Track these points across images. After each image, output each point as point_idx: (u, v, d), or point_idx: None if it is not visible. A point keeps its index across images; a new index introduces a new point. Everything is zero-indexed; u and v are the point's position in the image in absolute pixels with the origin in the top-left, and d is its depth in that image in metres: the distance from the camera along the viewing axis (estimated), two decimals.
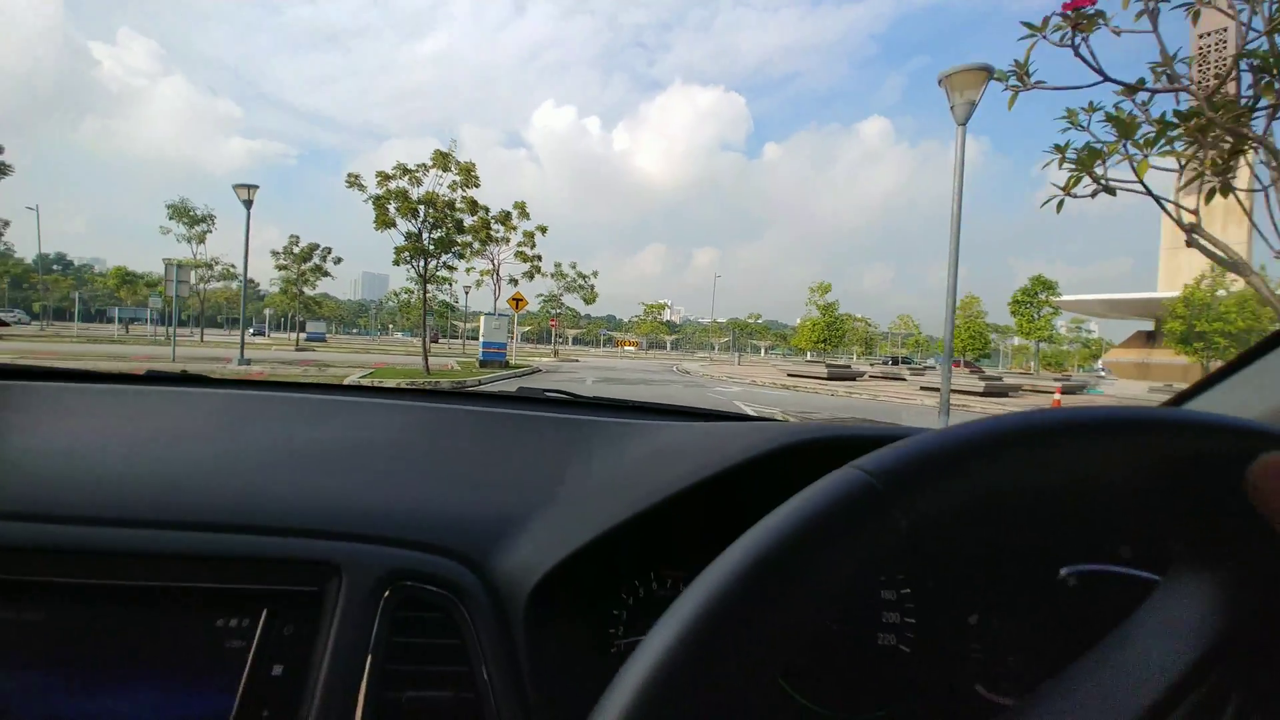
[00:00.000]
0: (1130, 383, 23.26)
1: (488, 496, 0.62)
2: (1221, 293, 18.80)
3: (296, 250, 29.85)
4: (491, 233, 15.50)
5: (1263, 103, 1.88)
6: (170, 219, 30.72)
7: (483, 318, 19.63)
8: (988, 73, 6.51)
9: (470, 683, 0.48)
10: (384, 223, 13.53)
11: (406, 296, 38.86)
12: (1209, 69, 2.55)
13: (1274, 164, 1.92)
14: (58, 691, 0.47)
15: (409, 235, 13.97)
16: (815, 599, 0.22)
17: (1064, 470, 0.26)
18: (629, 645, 0.59)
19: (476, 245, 16.07)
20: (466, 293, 35.11)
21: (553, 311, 39.69)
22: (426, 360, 14.67)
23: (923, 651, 0.56)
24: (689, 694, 0.20)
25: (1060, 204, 2.12)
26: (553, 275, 37.75)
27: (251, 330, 56.26)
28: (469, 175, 14.13)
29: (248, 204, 14.71)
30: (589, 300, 37.77)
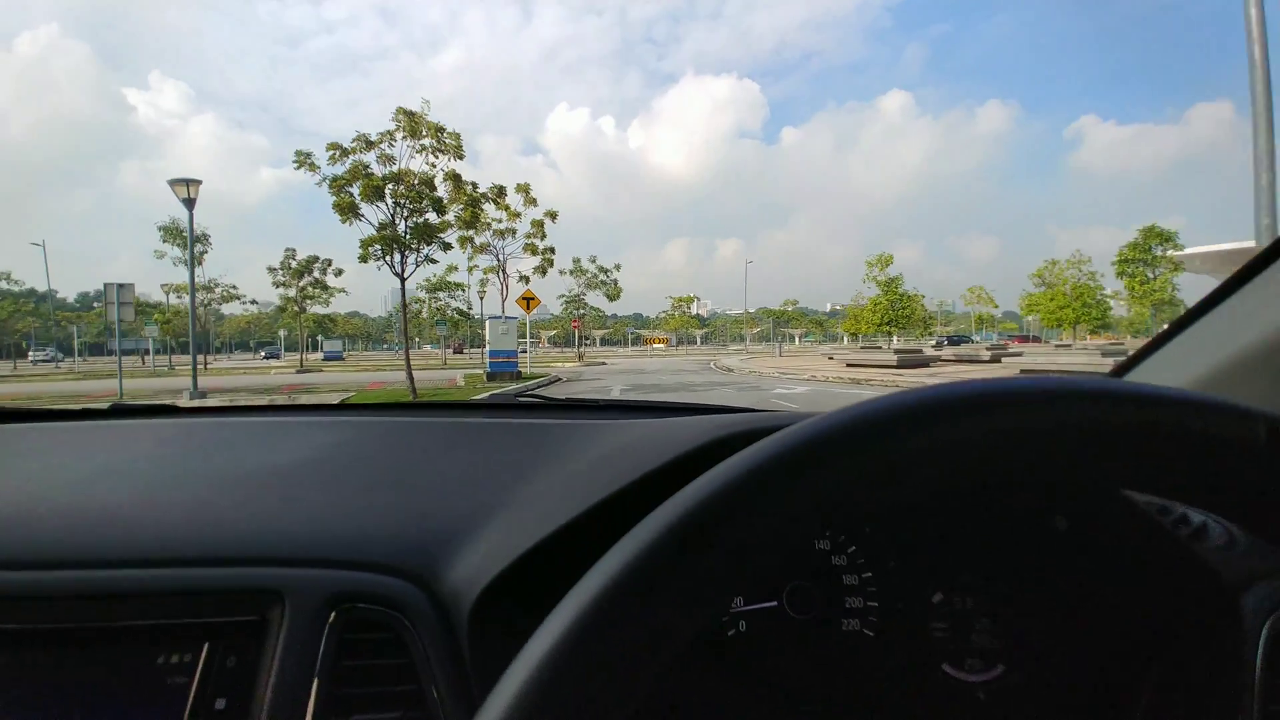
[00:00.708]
0: None
1: (434, 509, 0.60)
2: None
3: (294, 264, 27.60)
4: (479, 211, 12.40)
5: None
6: (164, 241, 28.77)
7: (488, 323, 16.72)
8: None
9: (420, 701, 0.47)
10: (345, 210, 10.67)
11: (418, 306, 36.61)
12: None
13: None
14: None
15: (382, 226, 11.17)
16: (649, 631, 0.23)
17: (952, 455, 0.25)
18: None
19: (463, 231, 13.09)
20: (482, 298, 32.37)
21: (575, 312, 36.71)
22: (411, 378, 11.74)
23: (887, 635, 0.56)
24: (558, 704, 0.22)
25: None
26: (571, 272, 34.80)
27: (264, 353, 54.56)
28: (439, 137, 11.08)
29: (189, 203, 12.04)
30: (613, 296, 34.67)
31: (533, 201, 19.00)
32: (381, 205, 10.89)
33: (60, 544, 0.54)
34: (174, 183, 11.96)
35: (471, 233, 13.07)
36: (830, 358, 25.16)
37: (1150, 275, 28.20)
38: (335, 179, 10.74)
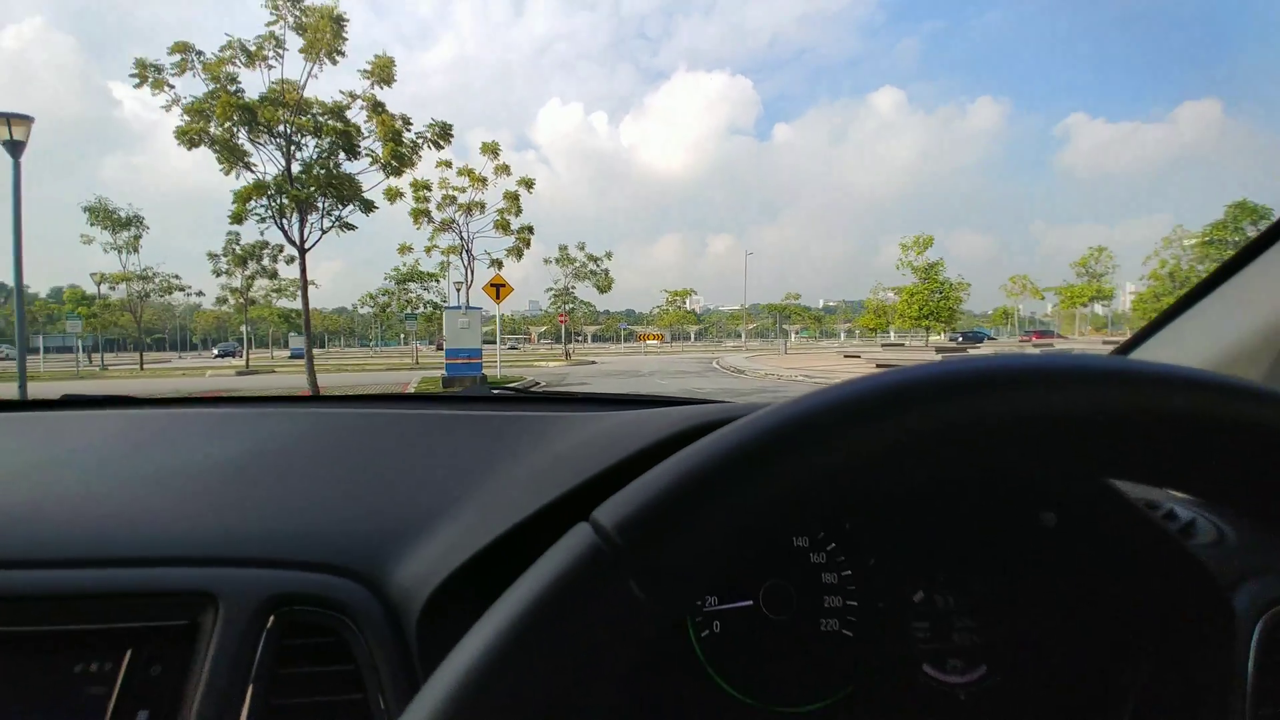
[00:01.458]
0: None
1: (387, 505, 0.57)
2: None
3: (238, 250, 24.10)
4: (403, 150, 8.86)
5: None
6: (91, 224, 25.13)
7: (444, 314, 13.38)
8: None
9: (366, 712, 0.44)
10: (188, 139, 7.21)
11: (386, 299, 33.04)
12: None
13: None
14: None
15: (278, 180, 7.85)
16: (567, 661, 0.22)
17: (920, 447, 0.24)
18: None
19: (390, 180, 9.59)
20: (459, 290, 29.26)
21: (563, 306, 33.31)
22: (313, 380, 8.35)
23: (867, 635, 0.55)
24: None
25: None
26: (558, 261, 31.41)
27: (217, 351, 49.89)
28: (336, 28, 7.43)
29: (11, 146, 8.63)
30: (604, 288, 31.32)
31: (505, 169, 15.63)
32: (256, 136, 7.46)
33: None
34: None
35: (395, 182, 9.41)
36: (854, 356, 22.01)
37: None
38: (192, 105, 7.33)
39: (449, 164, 14.92)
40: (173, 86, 7.37)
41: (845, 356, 22.94)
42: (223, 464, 0.64)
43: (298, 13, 7.20)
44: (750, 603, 0.54)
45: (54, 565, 0.48)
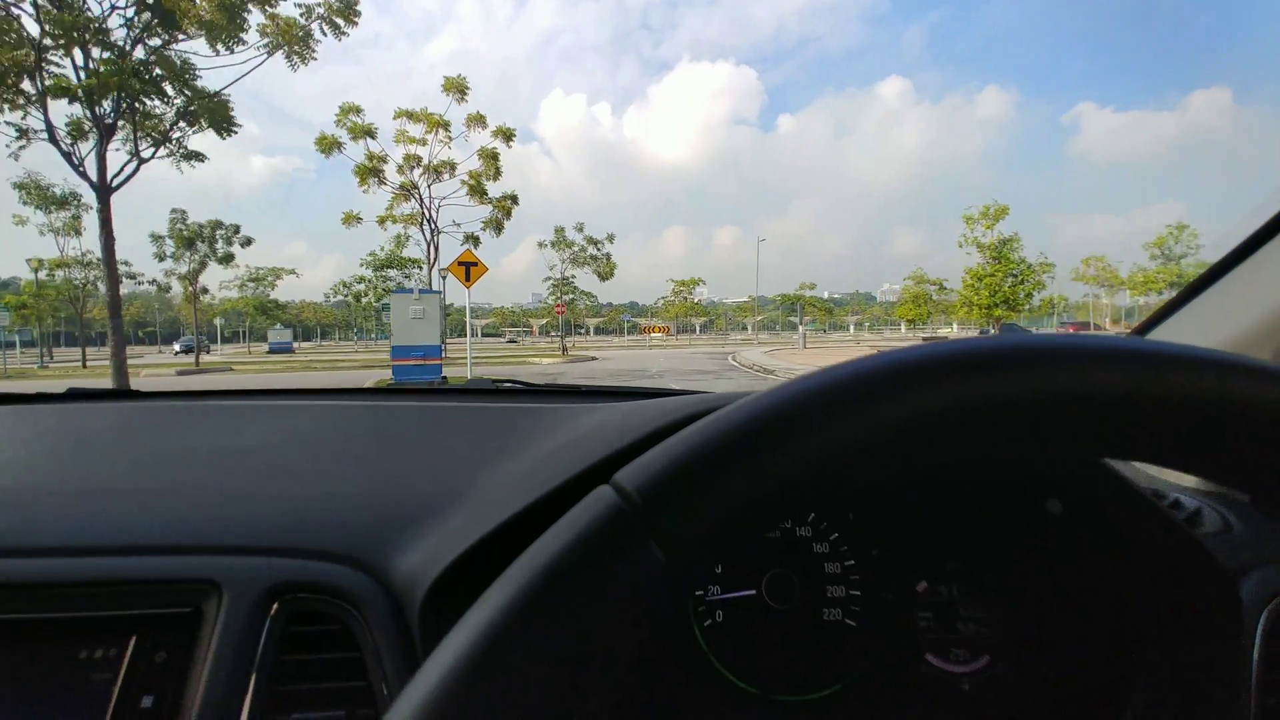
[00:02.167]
0: None
1: (390, 495, 0.58)
2: None
3: (184, 229, 20.99)
4: (258, 23, 5.25)
5: None
6: (23, 203, 22.01)
7: (390, 299, 10.27)
8: None
9: (370, 698, 0.45)
10: None
11: (362, 287, 29.87)
12: None
13: None
14: None
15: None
16: (587, 620, 0.22)
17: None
18: None
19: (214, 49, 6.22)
20: (444, 278, 26.26)
21: (560, 296, 30.08)
22: (121, 376, 5.25)
23: (870, 625, 0.55)
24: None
25: None
26: (554, 244, 28.18)
27: (178, 346, 45.28)
28: None
29: None
30: (604, 275, 28.11)
31: (479, 120, 12.39)
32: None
33: None
34: None
35: (226, 36, 5.46)
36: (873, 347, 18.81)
37: None
38: None
39: (410, 114, 11.65)
40: None
41: (869, 345, 19.84)
42: (226, 454, 0.65)
43: None
44: (753, 592, 0.54)
45: (59, 553, 0.49)
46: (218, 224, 21.66)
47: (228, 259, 22.20)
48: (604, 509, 0.24)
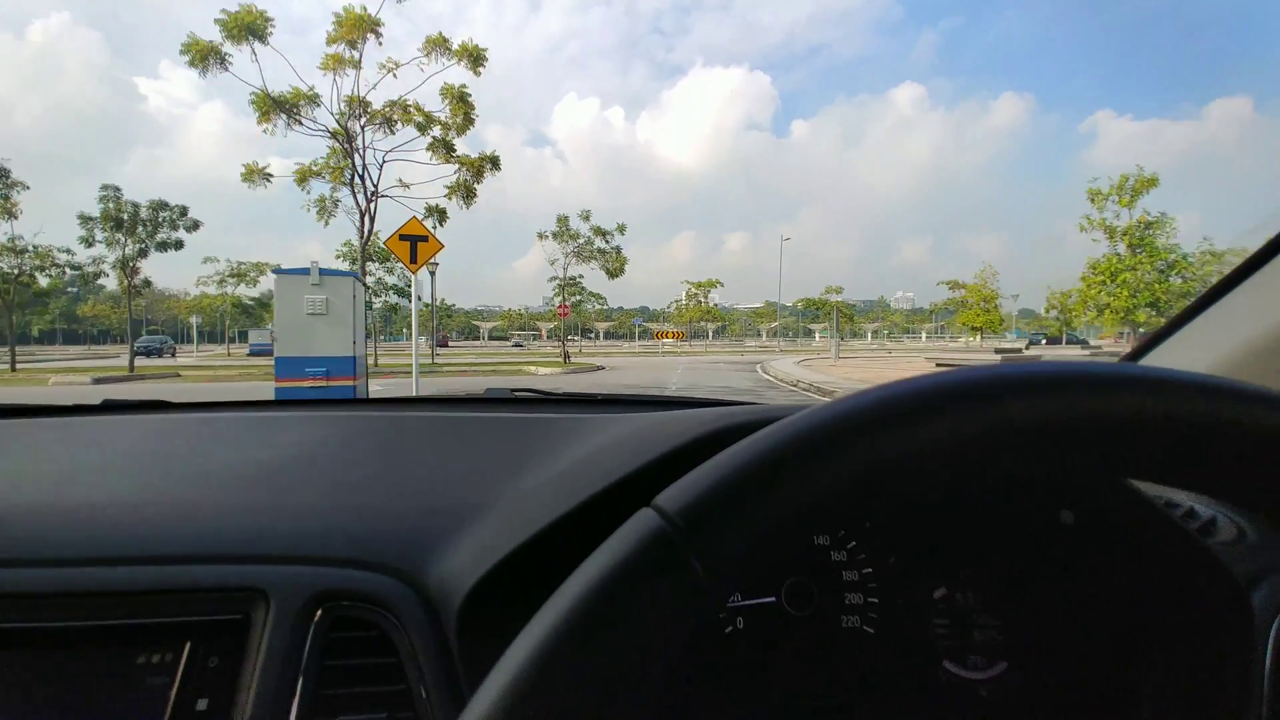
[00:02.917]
0: None
1: (424, 505, 0.60)
2: None
3: (115, 208, 17.77)
4: None
5: None
6: None
7: (276, 283, 6.75)
8: None
9: (409, 701, 0.47)
10: None
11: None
12: None
13: None
14: None
15: None
16: (634, 638, 0.23)
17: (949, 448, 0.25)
18: None
19: None
20: (432, 273, 22.91)
21: (564, 296, 26.54)
22: None
23: (888, 631, 0.56)
24: None
25: None
26: (555, 235, 24.66)
27: (140, 347, 42.24)
28: None
29: None
30: (614, 272, 24.55)
31: (441, 44, 8.90)
32: None
33: (40, 541, 0.53)
34: None
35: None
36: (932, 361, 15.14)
37: None
38: None
39: (337, 18, 8.26)
40: None
41: (939, 366, 16.23)
42: (265, 465, 0.68)
43: None
44: (773, 599, 0.55)
45: (113, 563, 0.51)
46: (161, 204, 18.42)
47: (176, 245, 18.92)
48: (648, 533, 0.25)
